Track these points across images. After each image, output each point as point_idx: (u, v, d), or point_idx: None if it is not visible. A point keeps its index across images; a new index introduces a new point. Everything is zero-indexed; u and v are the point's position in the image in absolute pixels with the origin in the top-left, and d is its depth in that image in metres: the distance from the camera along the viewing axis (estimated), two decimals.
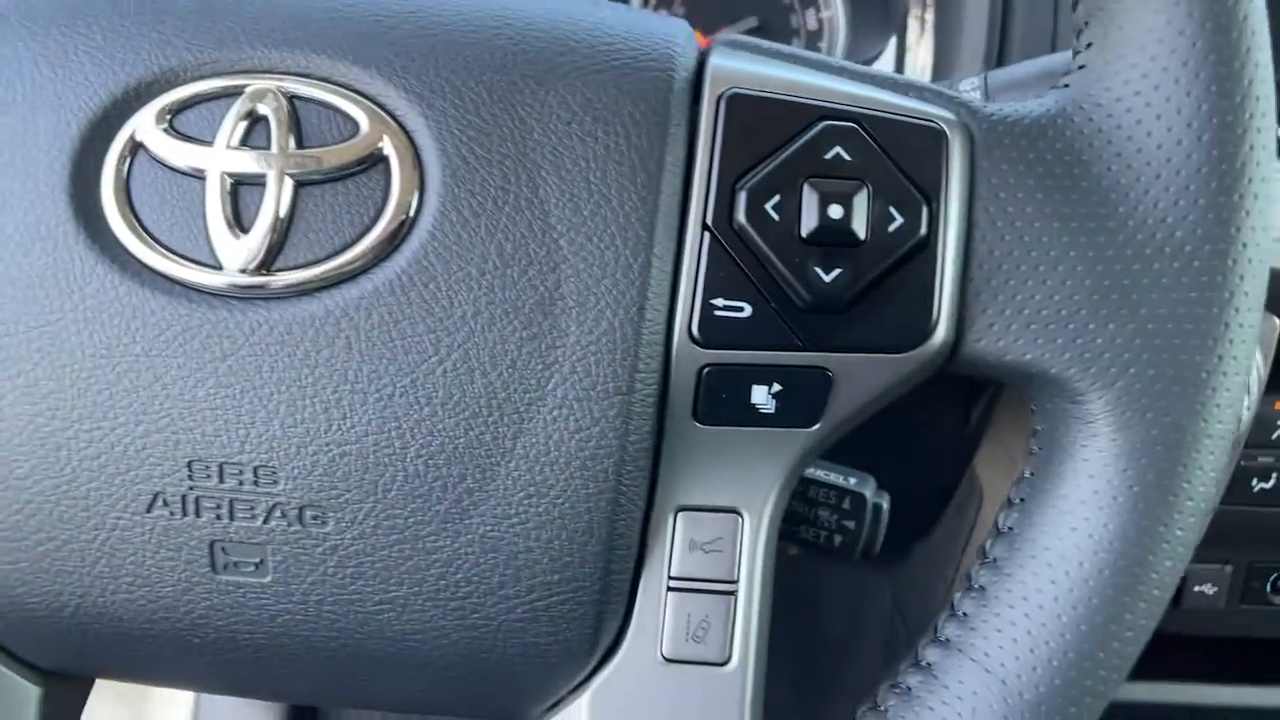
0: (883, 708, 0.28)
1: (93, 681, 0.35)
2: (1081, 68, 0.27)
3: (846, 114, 0.26)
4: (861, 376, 0.27)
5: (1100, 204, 0.26)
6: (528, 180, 0.26)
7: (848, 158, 0.26)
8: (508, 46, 0.27)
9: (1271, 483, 0.56)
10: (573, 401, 0.26)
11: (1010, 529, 0.27)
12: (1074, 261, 0.26)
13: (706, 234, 0.26)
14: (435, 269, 0.26)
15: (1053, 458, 0.27)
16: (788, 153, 0.26)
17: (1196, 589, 0.64)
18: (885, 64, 0.57)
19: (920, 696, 0.27)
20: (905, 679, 0.28)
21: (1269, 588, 0.64)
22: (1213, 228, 0.25)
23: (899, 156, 0.26)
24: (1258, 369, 0.50)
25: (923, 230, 0.26)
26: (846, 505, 0.35)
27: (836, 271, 0.26)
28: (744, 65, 0.27)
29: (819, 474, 0.35)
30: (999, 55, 0.51)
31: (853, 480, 0.35)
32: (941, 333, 0.26)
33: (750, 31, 0.65)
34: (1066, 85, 0.27)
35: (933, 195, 0.26)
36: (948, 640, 0.27)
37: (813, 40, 0.64)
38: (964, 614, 0.27)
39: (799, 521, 0.35)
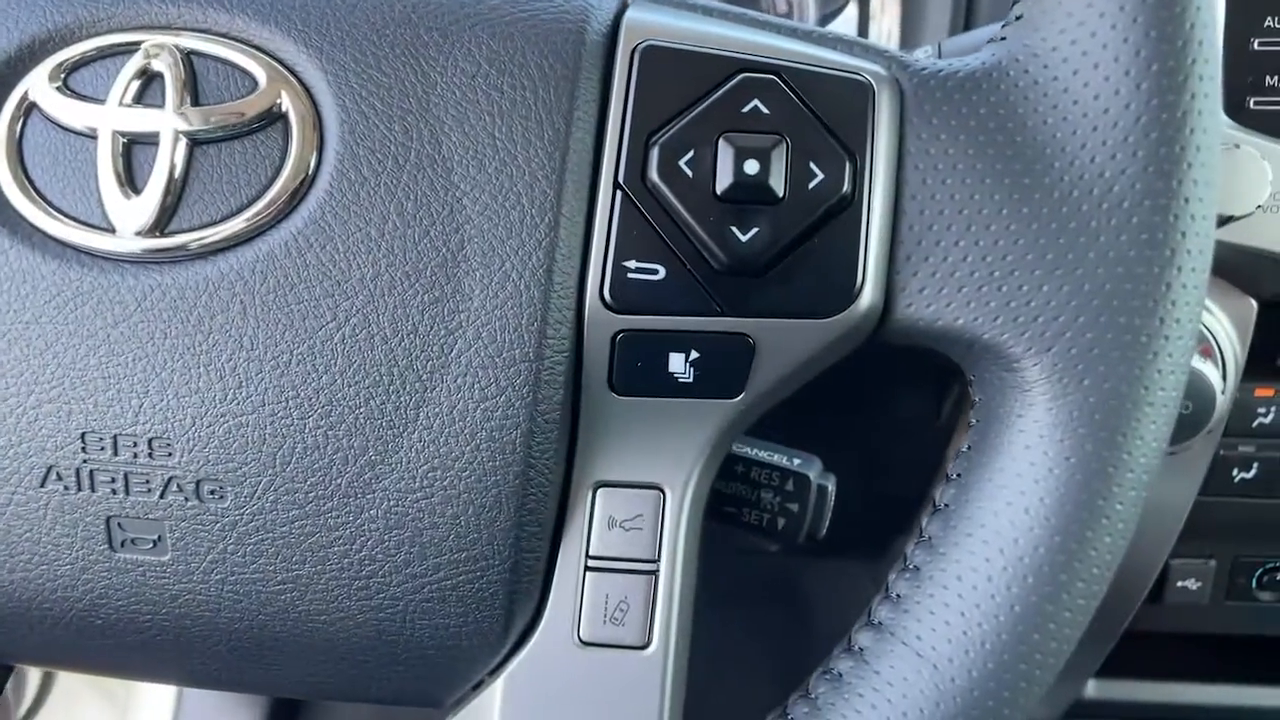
0: (813, 695, 0.26)
1: (9, 669, 0.33)
2: (1019, 18, 0.26)
3: (765, 66, 0.25)
4: (785, 343, 0.25)
5: (1035, 160, 0.24)
6: (430, 137, 0.25)
7: (766, 111, 0.24)
8: None
9: (1253, 473, 0.54)
10: (478, 369, 0.24)
11: (946, 506, 0.26)
12: (1006, 220, 0.24)
13: (618, 192, 0.25)
14: (333, 230, 0.25)
15: (989, 430, 0.25)
16: (703, 106, 0.25)
17: (1179, 584, 0.62)
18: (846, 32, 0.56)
19: (850, 683, 0.26)
20: (837, 664, 0.26)
21: (1254, 583, 0.62)
22: (1153, 181, 0.23)
23: (821, 110, 0.25)
24: (1234, 354, 0.48)
25: (845, 187, 0.24)
26: (790, 487, 0.33)
27: (754, 231, 0.24)
28: (661, 18, 0.26)
29: (762, 454, 0.34)
30: (965, 24, 0.49)
31: (797, 461, 0.34)
32: (868, 297, 0.25)
33: None
34: (1003, 38, 0.26)
35: (857, 151, 0.25)
36: (880, 623, 0.26)
37: None
38: (897, 595, 0.26)
39: (742, 504, 0.34)
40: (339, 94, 0.25)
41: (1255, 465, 0.53)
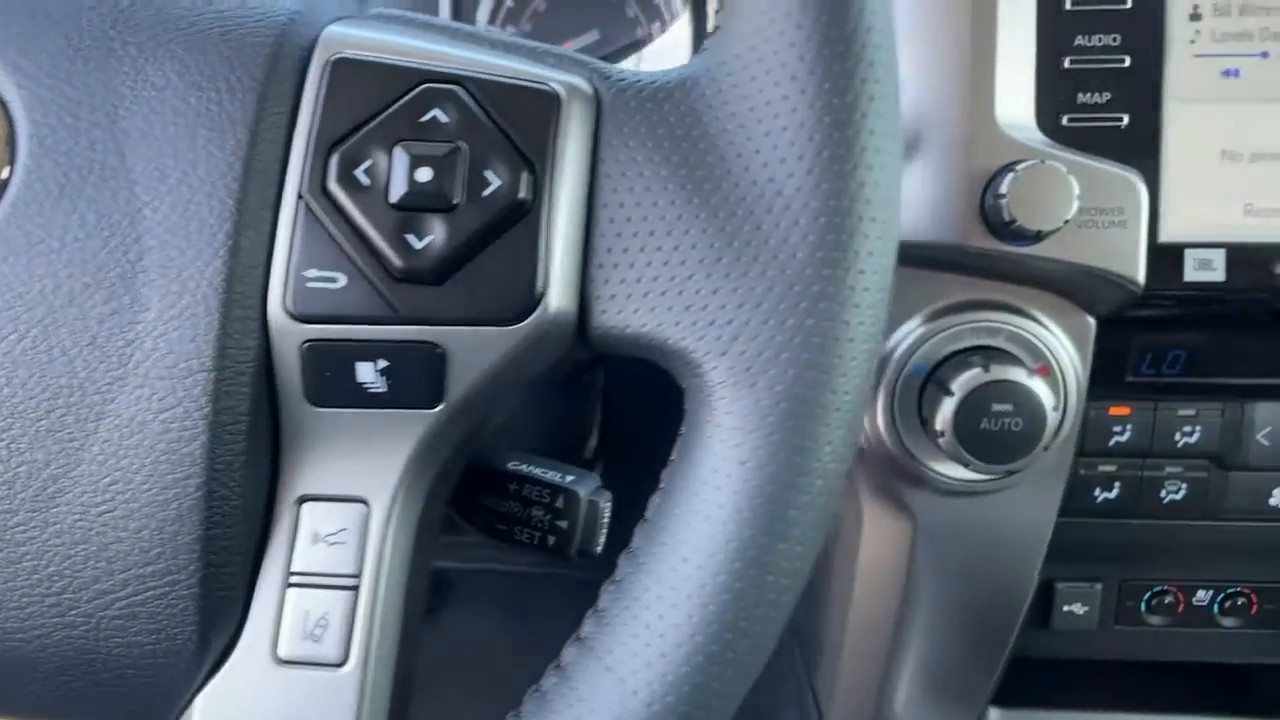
0: (521, 714, 0.26)
1: None
2: (718, 29, 0.26)
3: (449, 76, 0.25)
4: (474, 351, 0.25)
5: (717, 166, 0.24)
6: (115, 150, 0.25)
7: (445, 120, 0.25)
8: (113, 13, 0.26)
9: (1115, 492, 0.53)
10: (155, 380, 0.24)
11: (649, 517, 0.26)
12: (686, 227, 0.24)
13: (300, 202, 0.25)
14: (15, 243, 0.24)
15: (687, 436, 0.25)
16: (383, 116, 0.25)
17: (1065, 609, 0.61)
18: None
19: (550, 700, 0.25)
20: (545, 681, 0.26)
21: (1144, 607, 0.62)
22: (824, 188, 0.23)
23: (502, 119, 0.25)
24: (1075, 370, 0.48)
25: (522, 194, 0.24)
26: (559, 504, 0.33)
27: (429, 238, 0.24)
28: (362, 32, 0.26)
29: (535, 471, 0.34)
30: None
31: (569, 477, 0.34)
32: (555, 303, 0.25)
33: (592, 44, 0.65)
34: (706, 50, 0.26)
35: (536, 159, 0.25)
36: (583, 638, 0.25)
37: None
38: (600, 609, 0.25)
39: (514, 522, 0.34)
40: (30, 108, 0.25)
41: (1117, 485, 0.53)
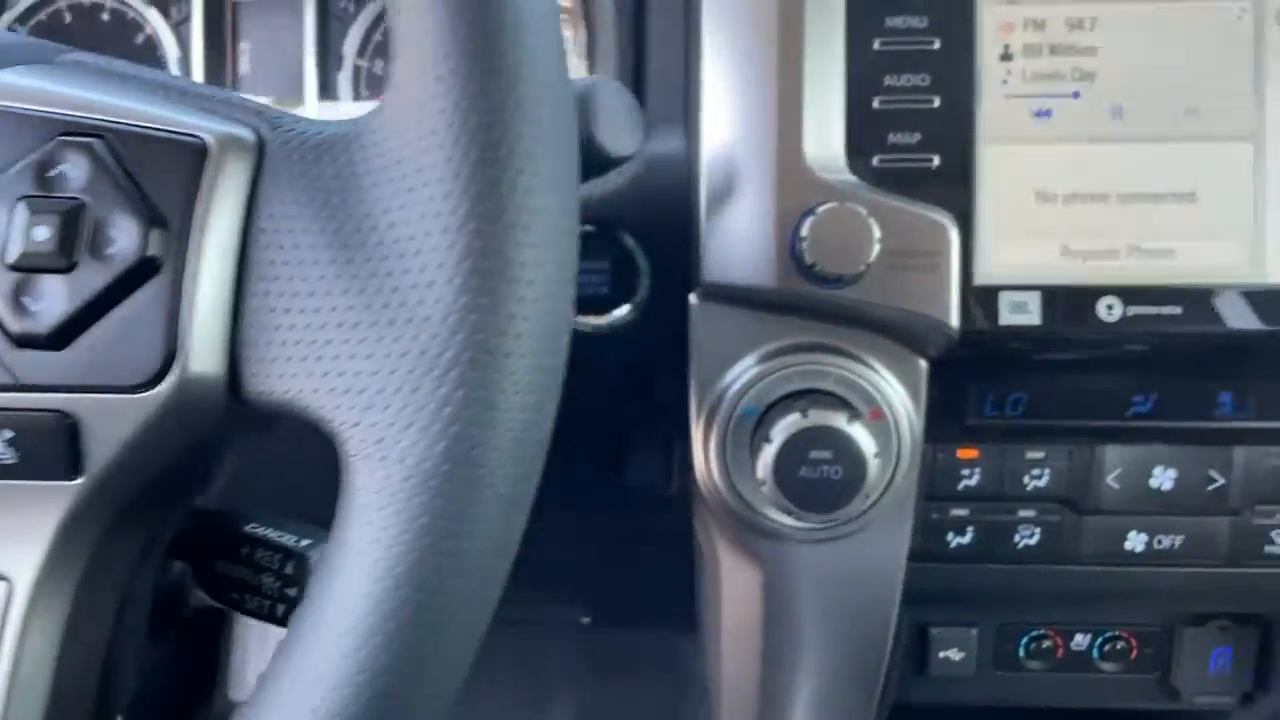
0: None
1: None
2: (394, 81, 0.25)
3: (88, 128, 0.24)
4: (109, 420, 0.23)
5: (363, 224, 0.23)
6: None
7: (74, 175, 0.23)
8: None
9: (969, 537, 0.52)
10: None
11: (307, 590, 0.24)
12: (330, 286, 0.23)
13: None
14: None
15: (338, 508, 0.24)
16: (11, 171, 0.23)
17: (941, 655, 0.60)
18: None
19: None
20: None
21: (1022, 651, 0.60)
22: (467, 243, 0.22)
23: (139, 172, 0.23)
24: (908, 415, 0.47)
25: (151, 251, 0.23)
26: (290, 570, 0.31)
27: (46, 300, 0.23)
28: (12, 79, 0.25)
29: (269, 533, 0.32)
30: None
31: (305, 541, 0.32)
32: (196, 366, 0.23)
33: None
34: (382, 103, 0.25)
35: (172, 215, 0.23)
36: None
37: None
38: (263, 679, 0.24)
39: (245, 589, 0.32)
40: None
41: (970, 529, 0.51)
